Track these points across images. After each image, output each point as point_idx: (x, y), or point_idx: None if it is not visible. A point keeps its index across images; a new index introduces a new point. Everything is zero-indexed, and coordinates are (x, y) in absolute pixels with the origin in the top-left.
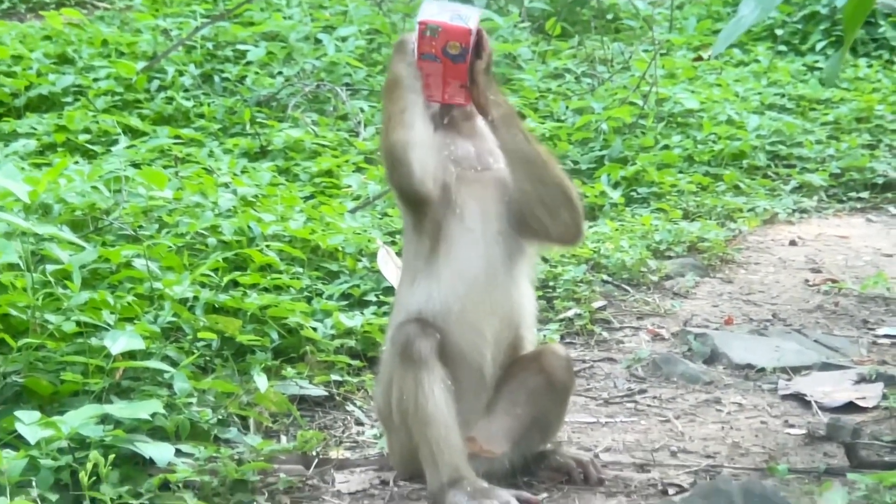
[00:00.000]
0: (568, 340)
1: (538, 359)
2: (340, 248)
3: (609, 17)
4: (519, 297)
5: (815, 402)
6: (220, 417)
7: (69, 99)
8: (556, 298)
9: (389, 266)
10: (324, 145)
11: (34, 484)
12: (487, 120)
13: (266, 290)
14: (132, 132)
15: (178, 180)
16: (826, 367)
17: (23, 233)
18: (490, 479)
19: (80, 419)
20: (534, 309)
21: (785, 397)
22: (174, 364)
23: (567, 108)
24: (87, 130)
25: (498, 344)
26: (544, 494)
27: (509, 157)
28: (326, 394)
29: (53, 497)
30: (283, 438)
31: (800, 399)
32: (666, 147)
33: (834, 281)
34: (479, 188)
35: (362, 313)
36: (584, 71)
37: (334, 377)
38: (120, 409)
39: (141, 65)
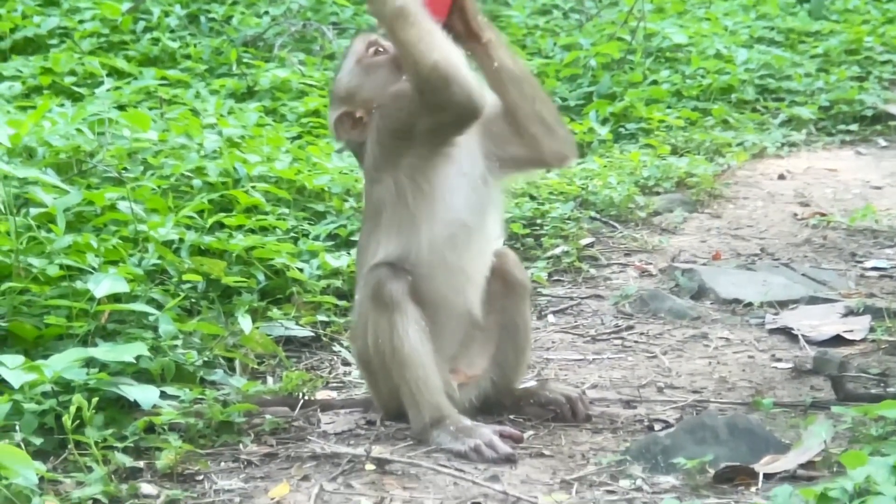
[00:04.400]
0: (556, 278)
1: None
2: (327, 189)
3: None
4: (495, 234)
5: (802, 335)
6: (206, 359)
7: (55, 41)
8: (544, 236)
9: None
10: (311, 85)
11: (18, 428)
12: (482, 43)
13: (252, 231)
14: (118, 74)
15: (164, 122)
16: (813, 300)
17: (5, 176)
18: (476, 416)
19: (64, 363)
20: (501, 240)
21: (772, 331)
22: (159, 307)
23: (555, 44)
24: (72, 73)
25: (481, 282)
26: (531, 432)
27: (505, 76)
28: (313, 335)
29: (38, 441)
30: (270, 380)
31: (787, 333)
32: (654, 82)
33: (822, 214)
34: None
35: (349, 253)
36: (571, 7)
37: (321, 318)
38: (104, 352)
39: (126, 6)
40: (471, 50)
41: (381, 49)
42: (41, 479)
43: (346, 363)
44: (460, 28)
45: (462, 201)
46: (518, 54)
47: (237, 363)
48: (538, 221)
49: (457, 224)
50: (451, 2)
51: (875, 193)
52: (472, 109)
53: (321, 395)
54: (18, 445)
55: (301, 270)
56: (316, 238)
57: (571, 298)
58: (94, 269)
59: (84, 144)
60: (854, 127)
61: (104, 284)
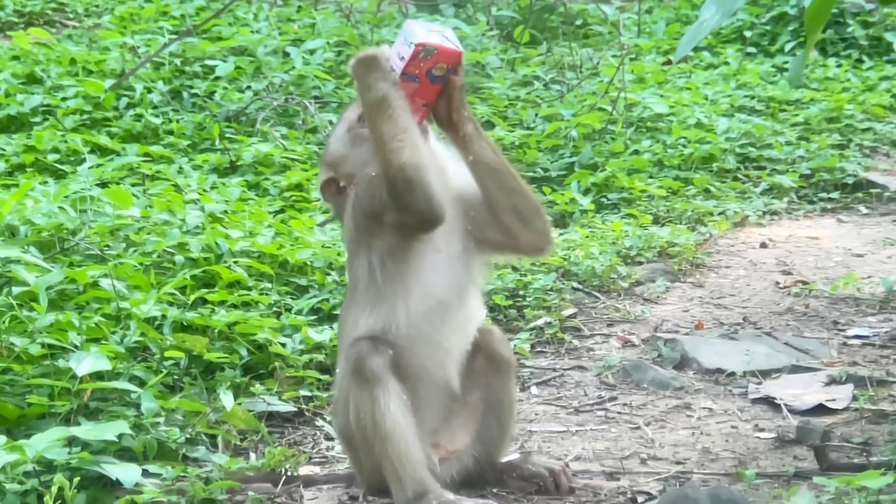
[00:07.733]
0: (538, 349)
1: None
2: (309, 263)
3: (577, 22)
4: (475, 309)
5: (785, 405)
6: (188, 436)
7: (38, 119)
8: (527, 307)
9: None
10: (293, 159)
11: None
12: (459, 135)
13: (234, 306)
14: (101, 150)
15: (146, 198)
16: (796, 369)
17: None
18: (459, 490)
19: (45, 442)
20: (483, 315)
21: (755, 401)
22: (142, 384)
23: (536, 115)
24: (55, 150)
25: (460, 356)
26: None
27: (481, 168)
28: (296, 409)
29: None
30: (252, 456)
31: (770, 403)
32: (636, 152)
33: (804, 282)
34: None
35: (331, 328)
36: (552, 78)
37: (303, 392)
38: (86, 430)
39: (109, 83)
40: (450, 138)
41: None
42: None
43: (328, 438)
44: (443, 115)
45: (438, 278)
46: (496, 146)
47: (219, 440)
48: (520, 293)
49: (433, 300)
50: (440, 87)
51: (857, 261)
52: (431, 218)
53: (304, 470)
54: None
55: (283, 345)
56: (298, 312)
57: (554, 370)
58: (76, 347)
59: (66, 222)
60: (835, 195)
61: (86, 363)
